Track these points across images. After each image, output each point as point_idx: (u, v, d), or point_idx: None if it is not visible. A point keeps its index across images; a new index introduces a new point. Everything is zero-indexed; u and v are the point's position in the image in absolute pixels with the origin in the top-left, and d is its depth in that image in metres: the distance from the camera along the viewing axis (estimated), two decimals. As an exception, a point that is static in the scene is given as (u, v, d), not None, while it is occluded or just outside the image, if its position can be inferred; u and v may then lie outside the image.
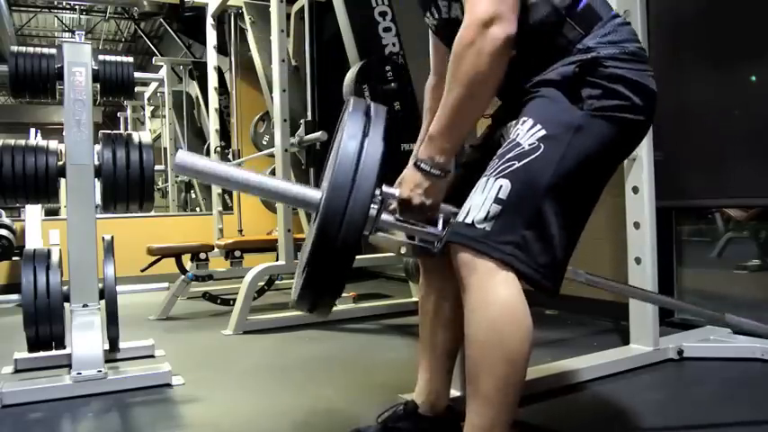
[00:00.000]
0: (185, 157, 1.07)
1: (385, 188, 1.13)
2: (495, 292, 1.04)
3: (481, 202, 1.06)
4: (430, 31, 1.44)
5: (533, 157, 1.06)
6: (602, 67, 1.10)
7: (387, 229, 1.15)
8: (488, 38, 1.04)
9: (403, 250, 1.16)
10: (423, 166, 1.13)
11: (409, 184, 1.14)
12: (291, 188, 1.10)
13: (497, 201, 1.05)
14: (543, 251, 1.06)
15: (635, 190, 2.08)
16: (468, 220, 1.06)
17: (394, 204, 1.15)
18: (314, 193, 1.08)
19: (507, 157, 1.08)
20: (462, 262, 1.06)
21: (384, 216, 1.12)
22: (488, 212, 1.05)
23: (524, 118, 1.11)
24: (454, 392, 1.50)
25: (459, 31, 1.08)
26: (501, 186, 1.05)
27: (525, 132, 1.09)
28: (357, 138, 1.01)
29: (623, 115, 1.11)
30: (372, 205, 1.04)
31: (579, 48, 1.12)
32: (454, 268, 1.09)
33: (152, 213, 5.62)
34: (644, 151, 2.06)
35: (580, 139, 1.08)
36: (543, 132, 1.08)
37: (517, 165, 1.06)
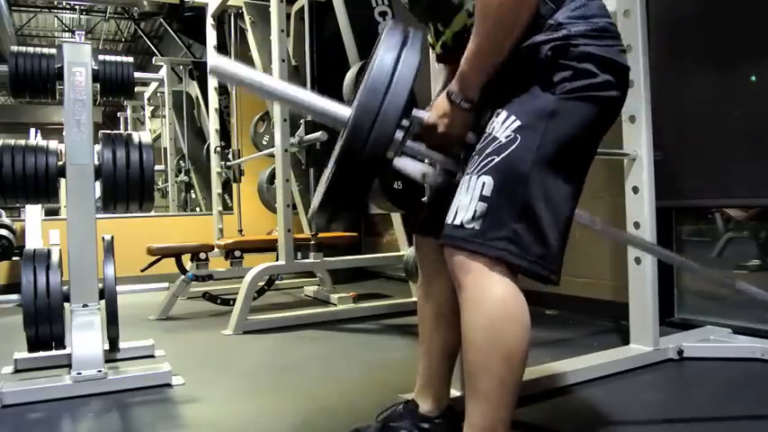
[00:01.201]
0: (222, 63, 1.09)
1: (415, 111, 1.14)
2: (490, 291, 1.05)
3: (467, 201, 1.07)
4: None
5: (511, 149, 1.07)
6: (573, 47, 1.09)
7: (412, 155, 1.15)
8: None
9: (426, 176, 1.16)
10: (453, 98, 1.13)
11: (438, 110, 1.15)
12: (322, 101, 1.11)
13: (482, 198, 1.05)
14: (536, 241, 1.06)
15: (635, 190, 2.08)
16: (457, 222, 1.07)
17: (419, 129, 1.15)
18: (344, 110, 1.09)
19: (486, 152, 1.09)
20: (457, 263, 1.07)
21: (409, 142, 1.12)
22: (475, 211, 1.05)
23: (498, 110, 1.12)
24: (454, 392, 1.50)
25: None
26: (484, 183, 1.06)
27: (500, 125, 1.09)
28: (394, 51, 1.02)
29: (596, 93, 1.11)
30: (401, 126, 1.04)
31: (550, 23, 1.11)
32: (450, 270, 1.09)
33: (152, 213, 5.62)
34: (644, 151, 2.06)
35: (555, 124, 1.08)
36: (518, 123, 1.08)
37: (497, 159, 1.07)
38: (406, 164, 1.14)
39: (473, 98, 1.12)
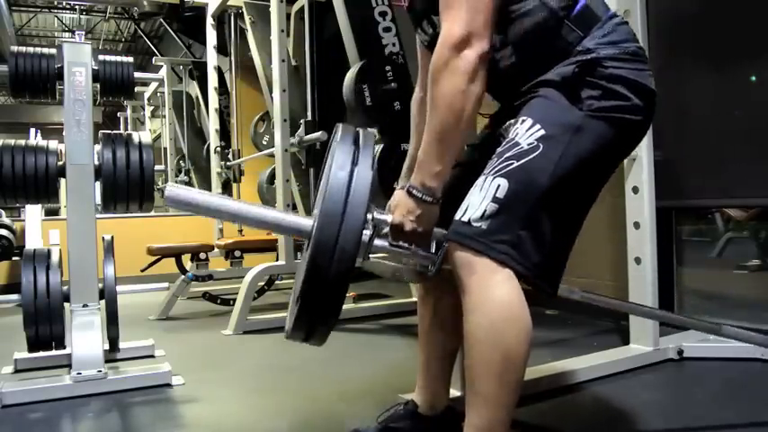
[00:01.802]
0: (176, 190, 1.06)
1: (376, 214, 1.12)
2: (493, 293, 1.05)
3: (479, 200, 1.07)
4: (418, 47, 1.43)
5: (532, 156, 1.06)
6: (602, 68, 1.09)
7: (381, 253, 1.14)
8: (462, 58, 1.04)
9: (397, 273, 1.15)
10: (414, 192, 1.11)
11: (401, 209, 1.13)
12: (285, 218, 1.11)
13: (495, 200, 1.05)
14: (538, 251, 1.07)
15: (635, 190, 2.08)
16: (465, 219, 1.07)
17: (386, 229, 1.14)
18: (306, 222, 1.08)
19: (506, 156, 1.08)
20: (460, 262, 1.07)
21: (377, 241, 1.12)
22: (485, 211, 1.05)
23: (523, 117, 1.11)
24: (454, 392, 1.50)
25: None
26: (499, 185, 1.06)
27: (524, 132, 1.09)
28: (346, 167, 1.01)
29: (622, 116, 1.11)
30: (365, 231, 1.04)
31: (579, 50, 1.12)
32: (452, 268, 1.09)
33: (152, 213, 5.61)
34: (644, 151, 2.06)
35: (579, 139, 1.08)
36: (542, 132, 1.08)
37: (516, 164, 1.06)
38: (375, 266, 1.14)
39: (435, 189, 1.11)
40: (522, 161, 1.06)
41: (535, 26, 1.13)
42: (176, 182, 6.87)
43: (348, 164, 1.01)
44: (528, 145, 1.07)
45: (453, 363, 1.42)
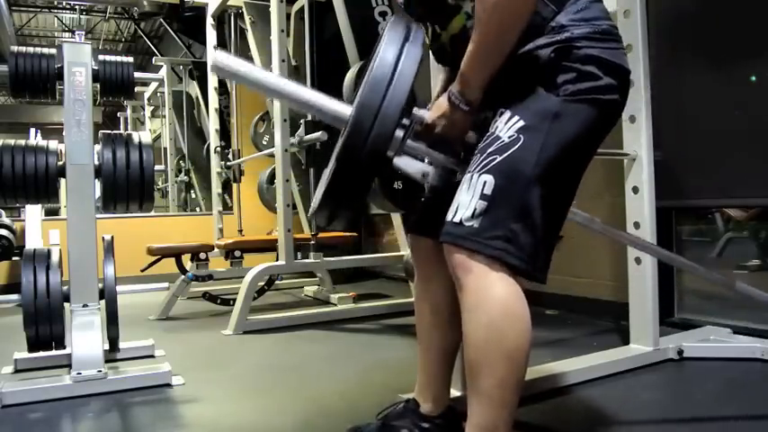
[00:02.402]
0: (224, 58, 1.07)
1: (416, 110, 1.14)
2: (492, 291, 1.05)
3: (468, 199, 1.07)
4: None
5: (514, 149, 1.07)
6: (576, 49, 1.09)
7: (413, 154, 1.15)
8: None
9: (426, 176, 1.15)
10: (453, 98, 1.12)
11: (437, 111, 1.15)
12: (323, 99, 1.11)
13: (483, 197, 1.06)
14: (532, 242, 1.07)
15: (635, 190, 2.08)
16: (457, 219, 1.07)
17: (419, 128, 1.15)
18: (345, 108, 1.08)
19: (488, 151, 1.09)
20: (457, 263, 1.07)
21: (410, 142, 1.12)
22: (475, 209, 1.06)
23: (502, 110, 1.12)
24: (454, 392, 1.50)
25: None
26: (485, 182, 1.06)
27: (504, 125, 1.10)
28: (396, 46, 1.01)
29: (598, 96, 1.11)
30: (401, 125, 1.04)
31: (552, 26, 1.11)
32: (450, 269, 1.09)
33: (152, 213, 5.62)
34: (644, 151, 2.06)
35: (559, 125, 1.08)
36: (522, 123, 1.08)
37: (499, 158, 1.07)
38: (406, 163, 1.14)
39: (473, 99, 1.12)
40: (505, 155, 1.07)
41: None
42: (176, 182, 6.88)
43: (399, 43, 1.01)
44: (509, 138, 1.08)
45: (453, 361, 1.42)
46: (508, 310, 1.05)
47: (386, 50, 1.01)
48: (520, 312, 1.06)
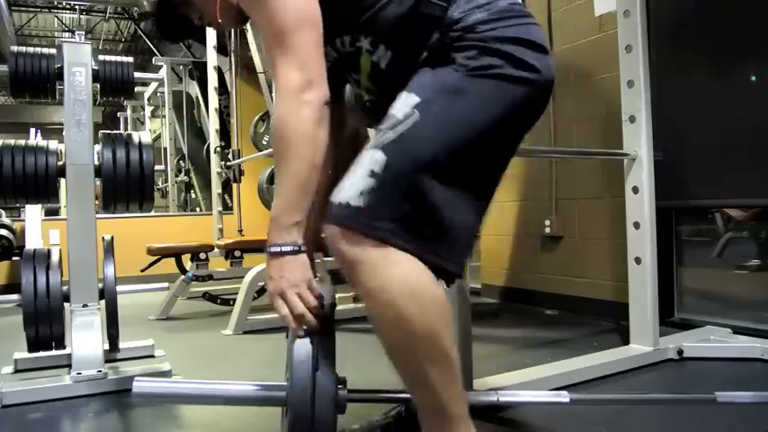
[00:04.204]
0: (143, 384, 1.08)
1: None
2: (384, 273, 0.95)
3: (357, 177, 0.97)
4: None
5: (407, 125, 0.98)
6: (474, 33, 1.02)
7: None
8: (306, 104, 0.99)
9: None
10: (272, 250, 1.02)
11: (268, 274, 1.04)
12: (253, 388, 1.17)
13: (371, 174, 0.96)
14: (429, 225, 0.97)
15: (635, 190, 2.08)
16: (342, 200, 0.96)
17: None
18: (278, 394, 1.13)
19: (382, 128, 1.00)
20: (343, 249, 0.96)
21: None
22: (362, 188, 0.95)
23: (400, 93, 1.04)
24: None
25: (276, 105, 1.04)
26: (375, 159, 0.96)
27: (401, 103, 1.02)
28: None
29: (504, 72, 1.01)
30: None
31: (447, 23, 1.04)
32: (336, 258, 0.99)
33: (152, 213, 5.62)
34: (644, 151, 2.06)
35: (461, 101, 1.00)
36: (417, 99, 1.00)
37: (391, 134, 0.98)
38: None
39: (296, 240, 1.02)
40: (397, 130, 0.98)
41: (397, 14, 1.04)
42: (176, 182, 6.88)
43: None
44: (403, 114, 0.99)
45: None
46: (405, 288, 0.95)
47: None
48: (419, 287, 0.96)
